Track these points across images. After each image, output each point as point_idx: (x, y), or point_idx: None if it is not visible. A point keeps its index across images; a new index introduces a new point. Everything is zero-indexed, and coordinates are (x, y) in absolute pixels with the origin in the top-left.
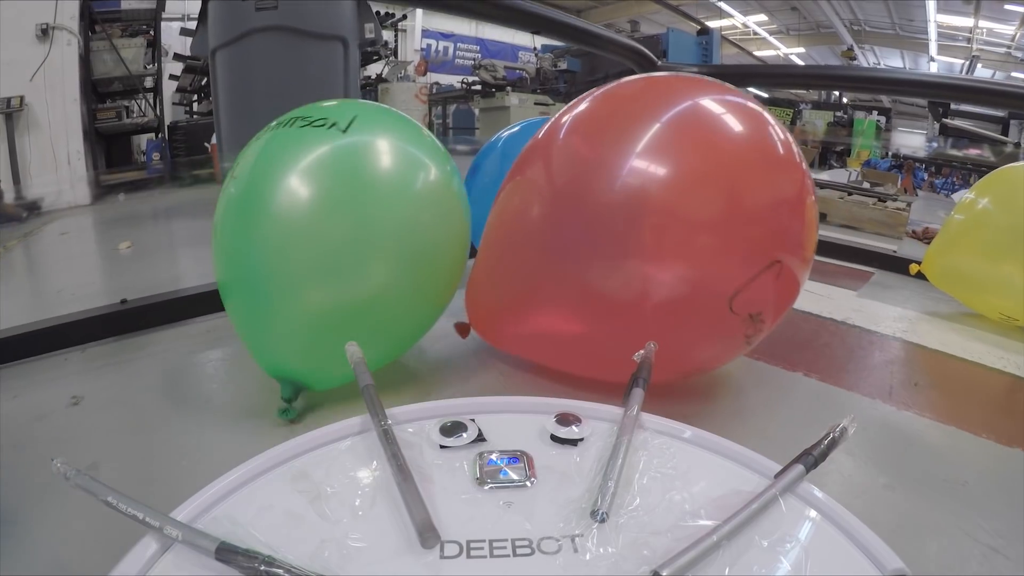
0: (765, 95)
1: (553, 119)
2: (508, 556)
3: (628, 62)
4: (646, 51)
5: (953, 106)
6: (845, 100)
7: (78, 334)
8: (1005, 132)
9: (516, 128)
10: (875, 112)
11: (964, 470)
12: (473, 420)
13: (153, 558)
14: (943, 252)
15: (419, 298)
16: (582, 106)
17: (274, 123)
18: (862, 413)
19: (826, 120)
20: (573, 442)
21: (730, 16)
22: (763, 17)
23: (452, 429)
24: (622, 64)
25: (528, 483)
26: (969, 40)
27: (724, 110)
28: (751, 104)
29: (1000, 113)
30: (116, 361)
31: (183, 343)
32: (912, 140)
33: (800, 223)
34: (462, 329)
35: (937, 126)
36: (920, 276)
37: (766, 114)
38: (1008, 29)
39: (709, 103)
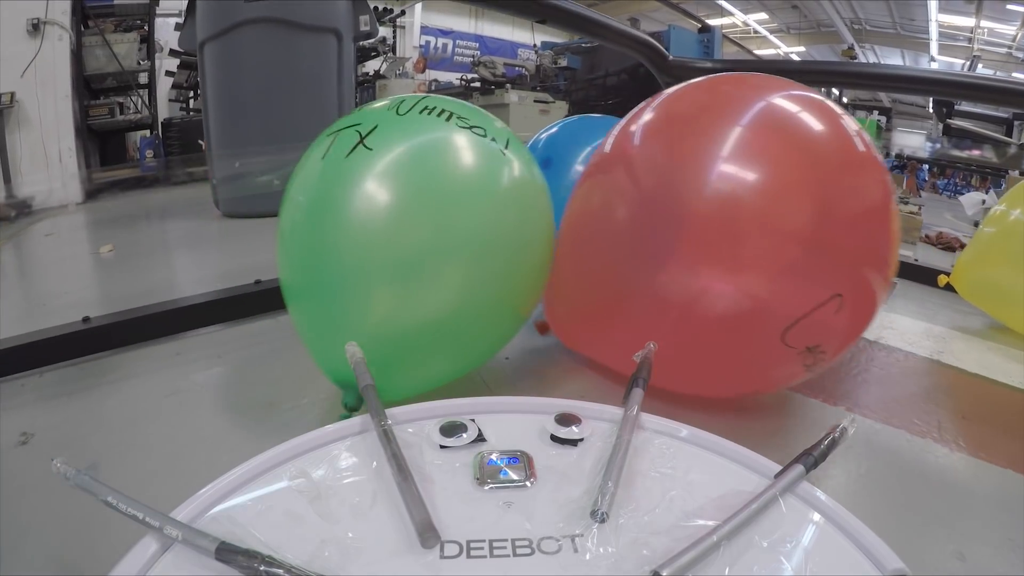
0: None
1: (624, 122)
2: (508, 556)
3: (638, 56)
4: (657, 45)
5: (957, 106)
6: (845, 100)
7: (34, 358)
8: (1009, 133)
9: (555, 128)
10: (875, 111)
11: None
12: (473, 420)
13: (153, 558)
14: (973, 265)
15: (503, 304)
16: (657, 111)
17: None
18: (916, 458)
19: None
20: (573, 442)
21: (731, 14)
22: (764, 15)
23: (452, 429)
24: (623, 63)
25: (528, 483)
26: (970, 40)
27: (806, 110)
28: (829, 103)
29: (1004, 114)
30: (74, 390)
31: (149, 368)
32: (912, 140)
33: (887, 235)
34: (541, 327)
35: (941, 126)
36: (948, 288)
37: (842, 112)
38: (1009, 29)
39: (795, 105)
